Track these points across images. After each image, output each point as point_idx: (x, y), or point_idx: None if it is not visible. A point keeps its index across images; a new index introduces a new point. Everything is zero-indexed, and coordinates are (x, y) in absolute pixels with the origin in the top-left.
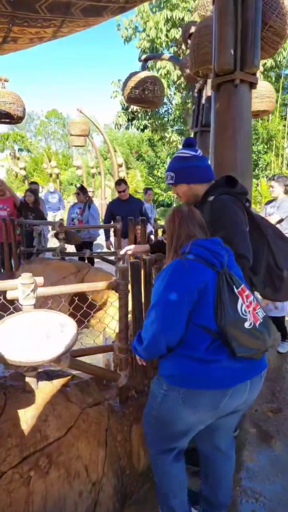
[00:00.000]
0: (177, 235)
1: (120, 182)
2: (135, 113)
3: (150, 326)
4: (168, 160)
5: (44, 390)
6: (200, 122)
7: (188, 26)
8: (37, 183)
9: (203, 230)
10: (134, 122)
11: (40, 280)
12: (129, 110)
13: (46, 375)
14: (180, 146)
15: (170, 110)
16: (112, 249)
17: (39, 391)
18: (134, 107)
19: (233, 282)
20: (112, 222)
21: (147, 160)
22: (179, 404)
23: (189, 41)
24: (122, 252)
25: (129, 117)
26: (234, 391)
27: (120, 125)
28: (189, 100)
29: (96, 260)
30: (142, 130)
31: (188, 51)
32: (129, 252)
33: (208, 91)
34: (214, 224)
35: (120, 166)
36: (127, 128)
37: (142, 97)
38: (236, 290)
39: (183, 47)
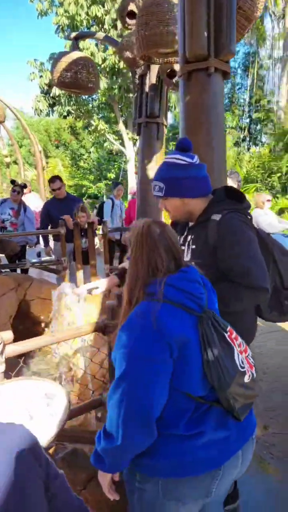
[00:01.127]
0: (144, 268)
1: (55, 179)
2: (57, 98)
3: (117, 412)
4: (93, 150)
5: None
6: (145, 112)
7: (126, 2)
8: None
9: (175, 253)
10: (56, 107)
11: (7, 335)
12: (50, 94)
13: None
14: (109, 136)
15: (95, 96)
16: (53, 256)
17: None
18: (56, 91)
19: (220, 325)
20: (50, 224)
21: (71, 149)
22: (159, 499)
23: (128, 20)
24: (79, 291)
25: (50, 102)
26: (225, 468)
27: (41, 111)
28: (115, 86)
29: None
30: (65, 117)
31: (126, 31)
32: (95, 293)
33: (152, 78)
34: (225, 250)
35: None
36: (47, 114)
37: (75, 82)
38: (227, 336)
39: (106, 26)
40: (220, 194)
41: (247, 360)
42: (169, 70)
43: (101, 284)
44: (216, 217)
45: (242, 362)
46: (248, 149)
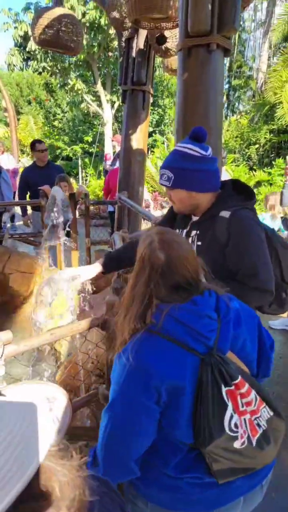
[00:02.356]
0: (141, 296)
1: (40, 141)
2: (33, 53)
3: (104, 435)
4: (68, 109)
5: None
6: (131, 78)
7: None
8: None
9: (188, 278)
10: (30, 63)
11: (6, 336)
12: (26, 48)
13: None
14: (86, 97)
15: None
16: (31, 227)
17: None
18: (32, 45)
19: (223, 376)
20: (28, 193)
21: (46, 108)
22: None
23: None
24: (61, 276)
25: (25, 57)
26: (221, 511)
27: (14, 66)
28: (95, 44)
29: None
30: (40, 73)
31: None
32: (76, 283)
33: (140, 43)
34: (236, 250)
35: (5, 110)
36: (21, 69)
37: (57, 40)
38: (224, 390)
39: None
40: (228, 189)
41: (250, 423)
42: (158, 35)
43: (83, 272)
44: (226, 214)
45: (236, 426)
46: (226, 117)
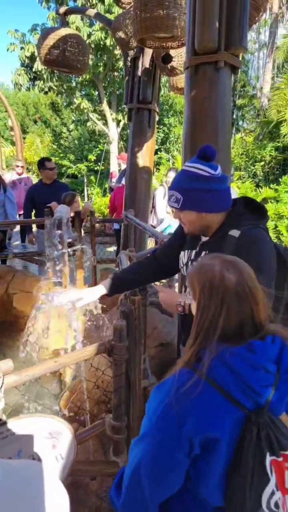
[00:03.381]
0: (208, 324)
1: (49, 159)
2: (39, 73)
3: (132, 467)
4: (73, 128)
5: None
6: (137, 97)
7: None
8: None
9: (253, 311)
10: (37, 82)
11: (6, 365)
12: (32, 69)
13: None
14: (91, 115)
15: None
16: (36, 245)
17: None
18: (38, 66)
19: (270, 441)
20: (33, 211)
21: (52, 127)
22: None
23: None
24: (60, 302)
25: (32, 77)
26: None
27: (21, 85)
28: (101, 64)
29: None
30: (46, 93)
31: (119, 9)
32: (78, 305)
33: (145, 62)
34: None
35: (11, 129)
36: (28, 89)
37: (63, 60)
38: (268, 459)
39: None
40: (239, 207)
41: None
42: (164, 54)
43: (86, 294)
44: (235, 233)
45: (277, 505)
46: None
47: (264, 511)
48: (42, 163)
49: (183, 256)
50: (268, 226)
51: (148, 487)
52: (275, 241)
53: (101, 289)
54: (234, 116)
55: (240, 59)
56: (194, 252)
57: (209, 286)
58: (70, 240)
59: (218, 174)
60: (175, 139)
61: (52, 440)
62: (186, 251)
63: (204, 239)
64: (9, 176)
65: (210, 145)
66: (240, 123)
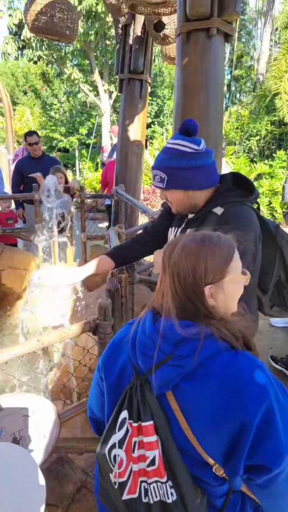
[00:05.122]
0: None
1: (31, 132)
2: (28, 41)
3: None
4: (65, 99)
5: None
6: (128, 67)
7: None
8: None
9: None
10: (26, 51)
11: None
12: (20, 37)
13: None
14: (83, 86)
15: None
16: (25, 221)
17: None
18: (27, 33)
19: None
20: (22, 186)
21: (42, 98)
22: None
23: None
24: (55, 282)
25: (20, 45)
26: None
27: (9, 54)
28: (92, 32)
29: None
30: (35, 62)
31: None
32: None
33: (137, 30)
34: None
35: (0, 100)
36: (16, 58)
37: (51, 27)
38: (122, 417)
39: None
40: (227, 183)
41: (135, 476)
42: (156, 21)
43: (87, 269)
44: (218, 210)
45: (115, 459)
46: (226, 108)
47: (106, 455)
48: (24, 138)
49: (170, 233)
50: (261, 202)
51: None
52: (268, 217)
53: (91, 268)
54: (233, 88)
55: (237, 26)
56: (179, 229)
57: (163, 261)
58: (62, 212)
59: (202, 149)
60: (169, 112)
61: (35, 418)
62: (173, 228)
63: (190, 216)
64: (21, 151)
65: (192, 119)
66: (238, 95)
